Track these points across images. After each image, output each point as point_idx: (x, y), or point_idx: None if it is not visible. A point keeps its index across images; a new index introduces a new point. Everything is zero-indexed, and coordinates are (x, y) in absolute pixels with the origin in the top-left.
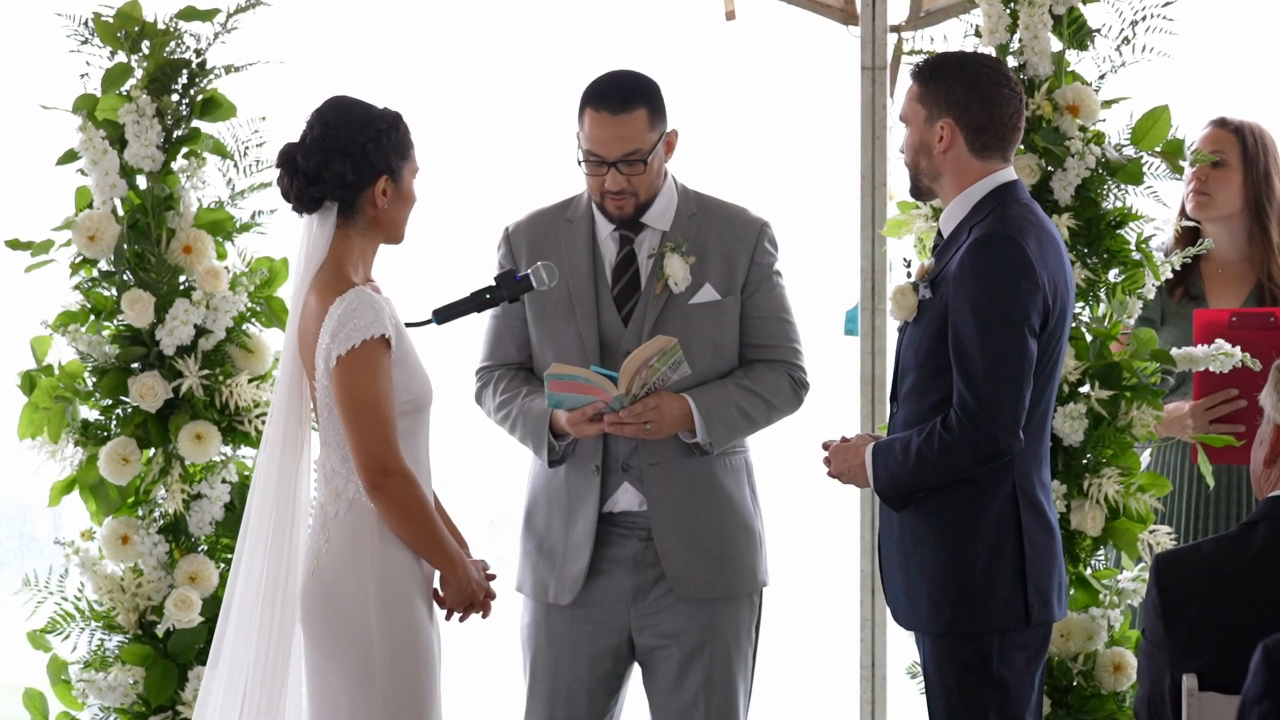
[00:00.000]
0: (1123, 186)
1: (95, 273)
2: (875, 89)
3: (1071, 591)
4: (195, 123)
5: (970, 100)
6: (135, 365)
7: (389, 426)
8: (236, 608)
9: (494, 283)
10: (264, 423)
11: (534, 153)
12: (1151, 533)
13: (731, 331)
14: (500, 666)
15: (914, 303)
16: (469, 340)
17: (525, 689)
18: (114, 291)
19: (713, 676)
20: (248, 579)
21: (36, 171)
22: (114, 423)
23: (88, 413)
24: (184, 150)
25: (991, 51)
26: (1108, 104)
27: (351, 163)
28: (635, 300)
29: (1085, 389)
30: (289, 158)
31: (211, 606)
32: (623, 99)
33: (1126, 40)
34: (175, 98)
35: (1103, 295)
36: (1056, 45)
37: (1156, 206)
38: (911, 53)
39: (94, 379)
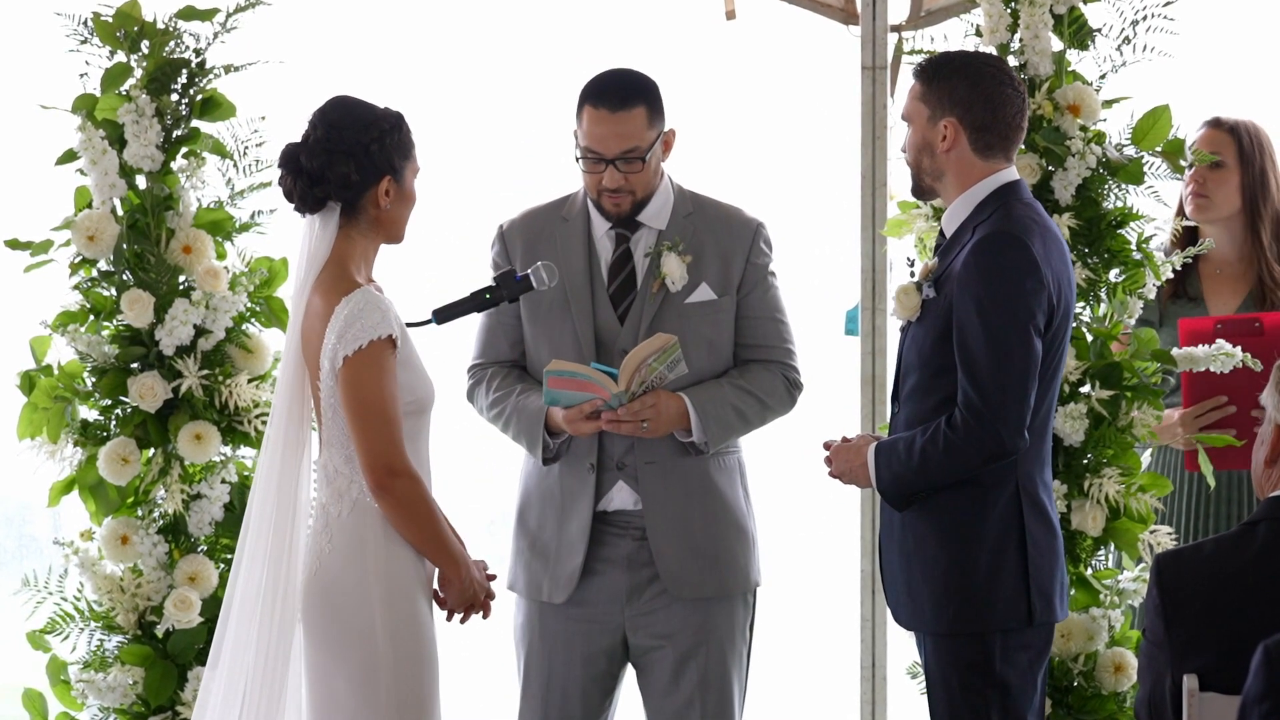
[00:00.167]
0: (1123, 186)
1: (95, 273)
2: (876, 89)
3: (1072, 592)
4: (195, 122)
5: (974, 99)
6: (135, 365)
7: (395, 427)
8: (237, 608)
9: (494, 283)
10: (263, 423)
11: (534, 153)
12: (1152, 533)
13: (727, 331)
14: (495, 666)
15: (917, 302)
16: (468, 340)
17: (519, 688)
18: (113, 291)
19: (708, 677)
20: (248, 579)
21: (36, 171)
22: (113, 423)
23: (87, 413)
24: (183, 150)
25: (992, 51)
26: (1108, 104)
27: (356, 163)
28: (631, 299)
29: (1086, 389)
30: (292, 158)
31: (211, 607)
32: (622, 96)
33: (1127, 40)
34: (175, 97)
35: (1103, 295)
36: (1057, 45)
37: (1157, 206)
38: (912, 52)
39: (93, 379)
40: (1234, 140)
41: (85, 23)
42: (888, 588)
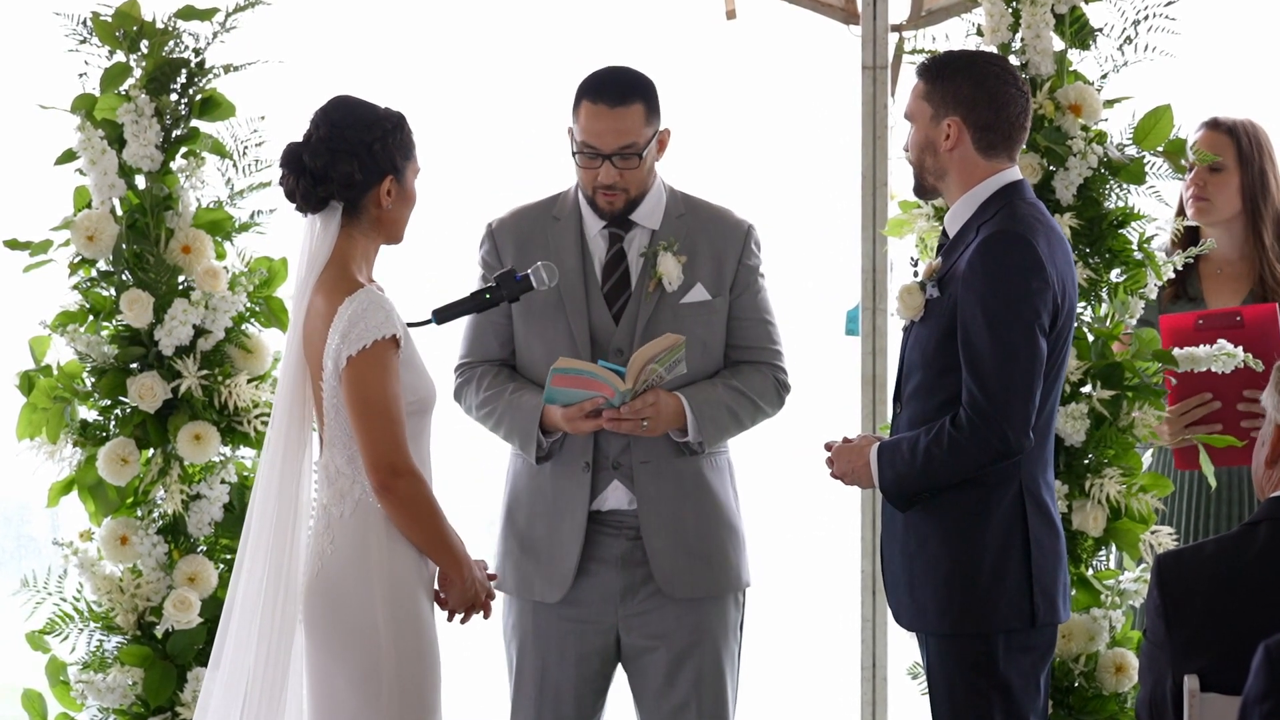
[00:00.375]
0: (1125, 186)
1: (94, 273)
2: (876, 88)
3: (1073, 592)
4: (194, 122)
5: (977, 99)
6: (134, 365)
7: (399, 426)
8: (238, 609)
9: (494, 282)
10: (263, 423)
11: (534, 152)
12: (1153, 533)
13: (719, 332)
14: (495, 666)
15: (920, 302)
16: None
17: (511, 688)
18: (113, 291)
19: (703, 676)
20: (249, 581)
21: (35, 171)
22: (113, 423)
23: (86, 413)
24: (183, 150)
25: (993, 50)
26: (1110, 103)
27: (359, 162)
28: (626, 298)
29: (1087, 389)
30: (294, 157)
31: (210, 607)
32: (621, 92)
33: (1129, 39)
34: (174, 97)
35: (1105, 295)
36: (1058, 44)
37: (1158, 206)
38: (913, 52)
39: (93, 379)
40: (1233, 141)
41: (84, 22)
42: (890, 589)
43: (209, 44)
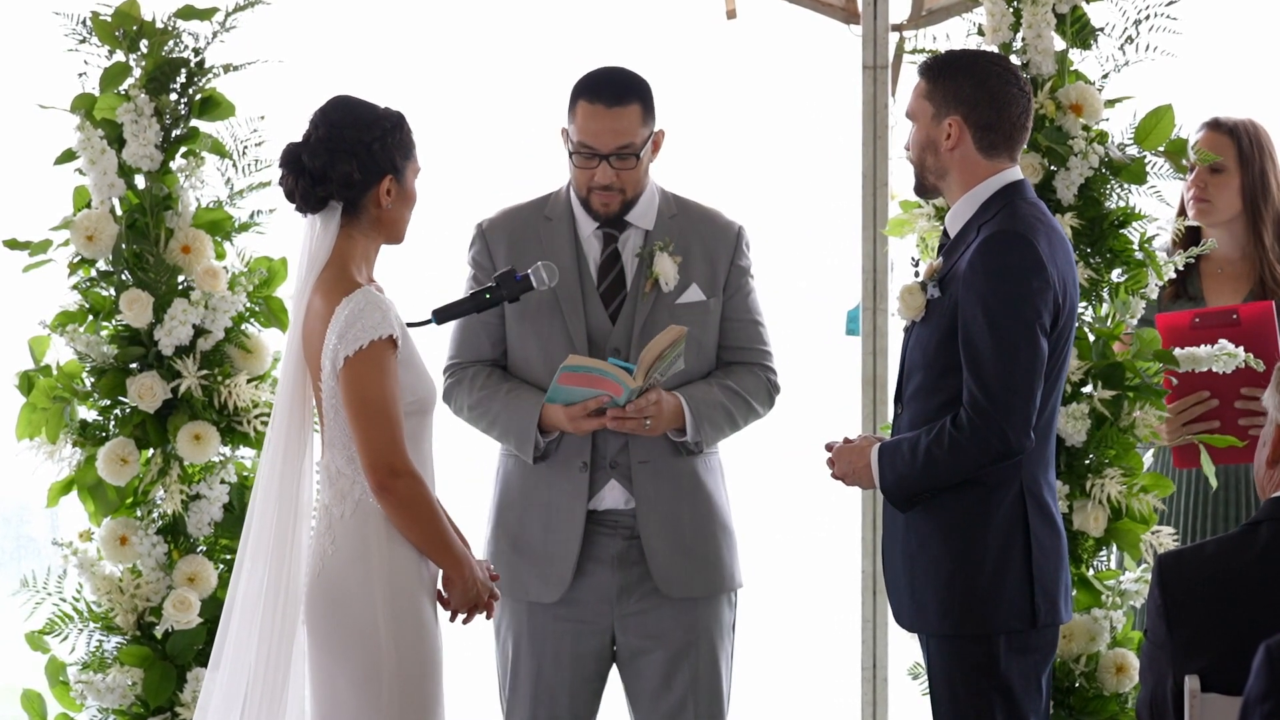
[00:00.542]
0: (1126, 186)
1: (93, 273)
2: (877, 88)
3: (1074, 592)
4: (194, 122)
5: (979, 98)
6: (134, 365)
7: (396, 427)
8: (238, 610)
9: (494, 283)
10: (263, 423)
11: (534, 152)
12: (1154, 533)
13: (713, 332)
14: (489, 666)
15: (922, 302)
16: None
17: (506, 689)
18: (112, 291)
19: (700, 676)
20: (250, 581)
21: (34, 171)
22: (112, 423)
23: (86, 413)
24: (182, 150)
25: (995, 50)
26: (1111, 103)
27: (358, 162)
28: (622, 298)
29: (1088, 389)
30: (294, 157)
31: (210, 607)
32: (618, 93)
33: (1130, 39)
34: (174, 97)
35: (1106, 295)
36: (1060, 44)
37: (1160, 206)
38: (913, 51)
39: (92, 379)
40: (1233, 142)
41: (84, 22)
42: (890, 589)
43: (209, 44)
